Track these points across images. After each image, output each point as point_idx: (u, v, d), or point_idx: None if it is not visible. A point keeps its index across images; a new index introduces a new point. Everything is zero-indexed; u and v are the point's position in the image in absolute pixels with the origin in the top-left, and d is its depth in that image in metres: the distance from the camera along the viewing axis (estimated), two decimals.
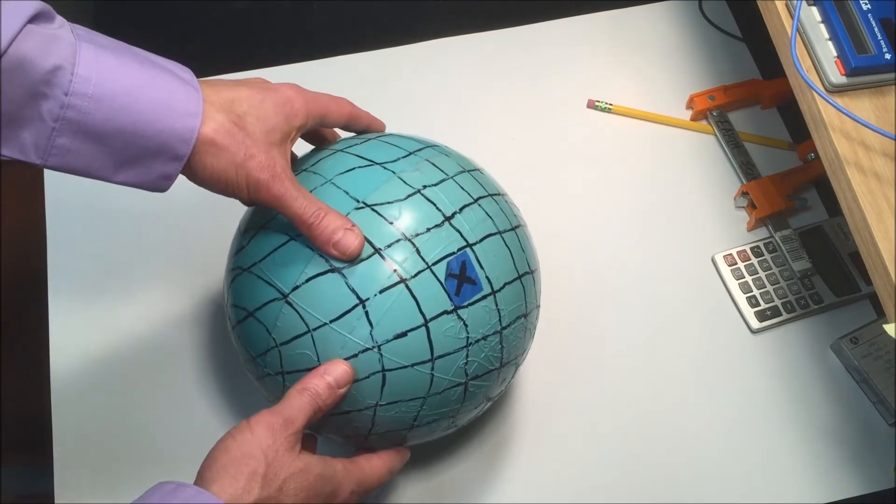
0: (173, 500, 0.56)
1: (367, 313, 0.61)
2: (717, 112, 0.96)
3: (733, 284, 0.88)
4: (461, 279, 0.63)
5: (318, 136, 0.73)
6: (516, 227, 0.69)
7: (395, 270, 0.61)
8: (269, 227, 0.66)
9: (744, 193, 0.91)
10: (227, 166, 0.60)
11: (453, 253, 0.63)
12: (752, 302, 0.87)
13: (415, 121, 0.84)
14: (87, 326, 0.84)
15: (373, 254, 0.62)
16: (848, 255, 0.89)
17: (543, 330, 0.77)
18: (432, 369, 0.62)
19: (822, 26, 0.71)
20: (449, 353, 0.62)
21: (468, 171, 0.68)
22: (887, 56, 0.69)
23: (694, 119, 0.97)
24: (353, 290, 0.61)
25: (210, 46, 1.02)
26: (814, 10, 0.71)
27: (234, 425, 0.61)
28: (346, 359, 0.62)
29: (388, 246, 0.62)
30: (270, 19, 1.04)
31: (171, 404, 0.81)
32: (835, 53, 0.70)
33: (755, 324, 0.86)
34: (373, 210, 0.63)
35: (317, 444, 0.69)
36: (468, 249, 0.64)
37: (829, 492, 0.80)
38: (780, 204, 0.90)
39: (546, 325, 0.79)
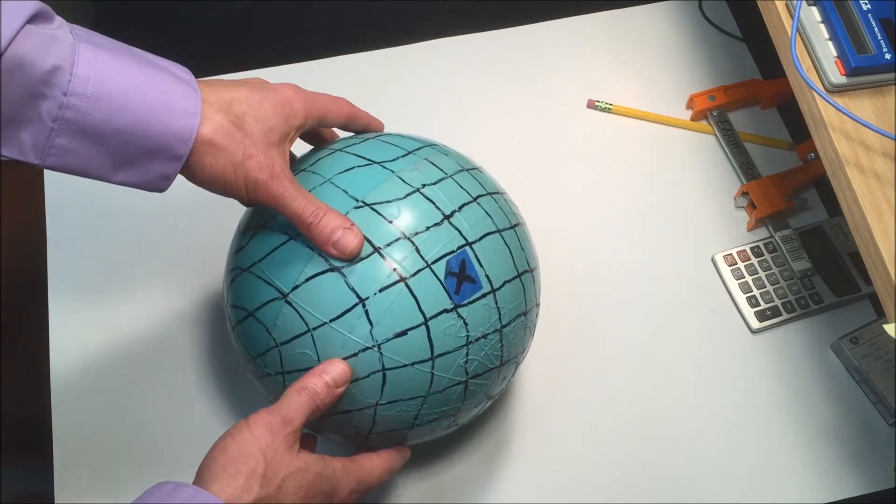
0: (172, 500, 0.56)
1: (366, 312, 0.61)
2: (717, 112, 0.96)
3: (733, 284, 0.88)
4: (461, 277, 0.63)
5: (317, 136, 0.73)
6: (515, 225, 0.69)
7: (394, 269, 0.62)
8: (268, 226, 0.66)
9: (744, 193, 0.91)
10: (225, 166, 0.60)
11: (453, 251, 0.63)
12: (752, 302, 0.87)
13: (415, 121, 0.84)
14: (87, 326, 0.84)
15: (372, 253, 0.62)
16: (848, 255, 0.89)
17: (543, 330, 0.77)
18: (432, 368, 0.62)
19: (822, 26, 0.71)
20: (449, 352, 0.62)
21: (467, 170, 0.68)
22: (887, 56, 0.69)
23: (694, 119, 0.97)
24: (352, 290, 0.61)
25: (210, 46, 1.02)
26: (814, 10, 0.71)
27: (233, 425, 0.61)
28: (347, 358, 0.62)
29: (388, 245, 0.62)
30: (270, 19, 1.04)
31: (171, 404, 0.81)
32: (835, 53, 0.70)
33: (755, 324, 0.86)
34: (372, 209, 0.63)
35: (316, 444, 0.69)
36: (467, 248, 0.64)
37: (829, 492, 0.80)
38: (780, 204, 0.90)
39: (546, 325, 0.79)
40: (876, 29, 0.70)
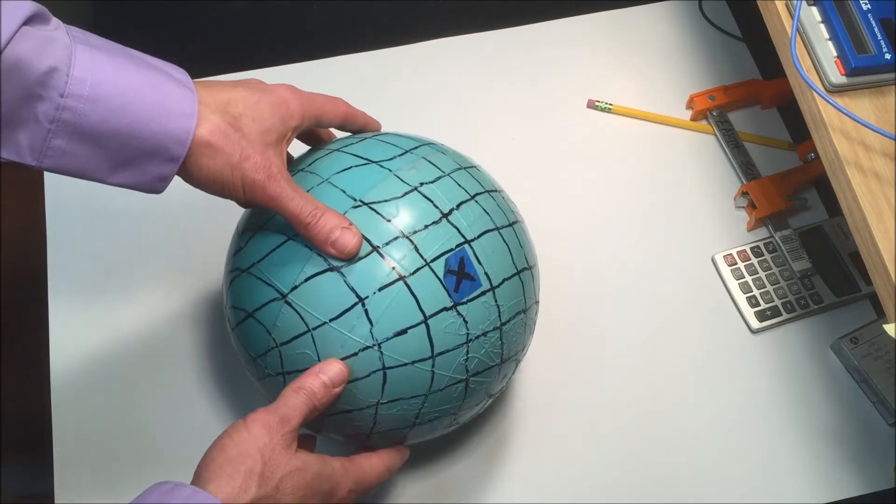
0: (170, 500, 0.56)
1: (366, 311, 0.61)
2: (717, 112, 0.96)
3: (733, 284, 0.88)
4: (460, 276, 0.63)
5: (314, 136, 0.73)
6: (514, 223, 0.69)
7: (393, 268, 0.62)
8: (266, 227, 0.66)
9: (744, 193, 0.91)
10: (222, 167, 0.60)
11: (451, 249, 0.63)
12: (752, 302, 0.87)
13: (415, 121, 0.84)
14: (87, 326, 0.84)
15: (371, 252, 0.62)
16: (848, 255, 0.89)
17: (543, 330, 0.77)
18: (433, 366, 0.62)
19: (822, 26, 0.71)
20: (449, 350, 0.63)
21: (465, 168, 0.68)
22: (887, 56, 0.69)
23: (694, 119, 0.97)
24: (352, 289, 0.61)
25: (210, 46, 1.02)
26: (814, 10, 0.71)
27: None
28: (347, 357, 0.62)
29: (387, 244, 0.62)
30: (270, 19, 1.04)
31: (171, 404, 0.81)
32: (835, 53, 0.70)
33: (755, 324, 0.86)
34: (370, 208, 0.63)
35: (316, 444, 0.69)
36: (466, 246, 0.64)
37: (829, 492, 0.80)
38: (780, 204, 0.90)
39: (546, 325, 0.79)
40: (876, 29, 0.70)
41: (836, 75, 0.69)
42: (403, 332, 0.61)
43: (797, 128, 0.96)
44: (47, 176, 0.90)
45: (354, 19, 1.04)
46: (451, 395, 0.64)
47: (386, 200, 0.63)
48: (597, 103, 0.97)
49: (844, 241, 0.90)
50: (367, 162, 0.66)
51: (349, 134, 0.72)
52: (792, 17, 0.70)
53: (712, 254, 0.90)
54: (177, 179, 0.61)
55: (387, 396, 0.63)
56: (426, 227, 0.63)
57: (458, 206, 0.65)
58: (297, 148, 0.71)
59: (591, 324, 0.86)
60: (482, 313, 0.64)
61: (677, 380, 0.84)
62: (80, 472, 0.78)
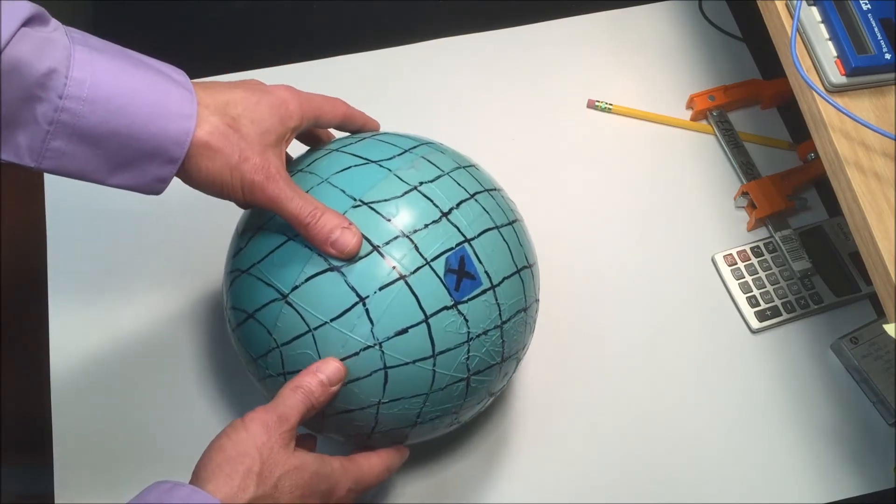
0: (169, 499, 0.56)
1: (367, 311, 0.61)
2: (717, 112, 0.96)
3: (733, 284, 0.88)
4: (460, 274, 0.63)
5: (313, 136, 0.73)
6: (513, 221, 0.69)
7: (394, 267, 0.62)
8: (266, 228, 0.66)
9: (744, 193, 0.91)
10: (221, 169, 0.60)
11: (452, 248, 0.63)
12: (752, 302, 0.87)
13: (415, 121, 0.84)
14: (87, 326, 0.84)
15: (371, 251, 0.62)
16: (848, 255, 0.89)
17: (543, 330, 0.77)
18: (434, 365, 0.62)
19: (822, 26, 0.71)
20: (450, 349, 0.63)
21: (464, 167, 0.68)
22: (887, 56, 0.69)
23: (694, 119, 0.97)
24: (352, 289, 0.61)
25: (210, 46, 1.02)
26: (814, 10, 0.71)
27: None
28: (348, 357, 0.62)
29: (387, 243, 0.62)
30: (270, 19, 1.04)
31: (171, 404, 0.81)
32: (835, 53, 0.70)
33: (755, 324, 0.86)
34: (370, 208, 0.63)
35: (316, 444, 0.69)
36: (466, 244, 0.64)
37: (829, 492, 0.80)
38: (780, 204, 0.90)
39: (546, 325, 0.79)
40: (876, 29, 0.70)
41: (836, 75, 0.69)
42: (404, 331, 0.61)
43: (797, 128, 0.96)
44: (47, 176, 0.90)
45: (354, 19, 1.04)
46: (452, 394, 0.64)
47: (386, 200, 0.63)
48: (597, 103, 0.97)
49: (844, 241, 0.90)
50: (366, 161, 0.66)
51: (348, 134, 0.72)
52: (792, 17, 0.70)
53: (712, 254, 0.90)
54: (176, 180, 0.61)
55: (388, 396, 0.63)
56: (426, 226, 0.63)
57: (458, 204, 0.65)
58: (296, 148, 0.71)
59: (591, 324, 0.86)
60: (483, 312, 0.64)
61: (677, 380, 0.84)
62: (80, 472, 0.78)
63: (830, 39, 0.70)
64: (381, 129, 0.73)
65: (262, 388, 0.69)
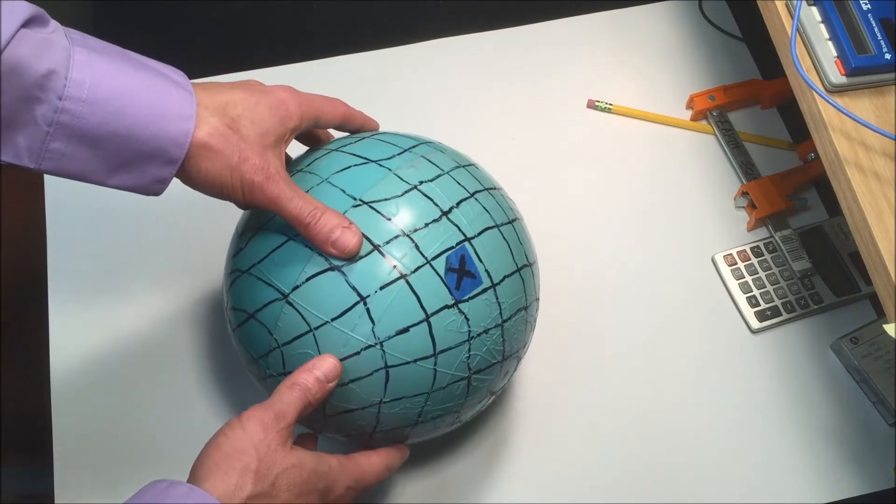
0: (165, 498, 0.56)
1: (368, 310, 0.61)
2: (717, 112, 0.96)
3: (733, 284, 0.88)
4: (461, 273, 0.63)
5: (312, 137, 0.73)
6: (513, 220, 0.69)
7: (394, 266, 0.62)
8: (266, 228, 0.66)
9: (744, 193, 0.91)
10: (221, 169, 0.60)
11: (452, 247, 0.63)
12: (752, 302, 0.87)
13: (415, 121, 0.84)
14: (87, 326, 0.84)
15: (372, 251, 0.62)
16: (848, 255, 0.89)
17: (543, 330, 0.77)
18: (435, 364, 0.62)
19: (822, 26, 0.71)
20: (451, 348, 0.63)
21: (463, 167, 0.68)
22: (887, 56, 0.69)
23: (694, 119, 0.97)
24: (353, 288, 0.61)
25: (210, 46, 1.02)
26: (814, 10, 0.71)
27: None
28: (349, 356, 0.62)
29: (387, 242, 0.62)
30: (270, 19, 1.04)
31: (171, 404, 0.81)
32: (835, 53, 0.70)
33: (755, 324, 0.86)
34: (370, 207, 0.63)
35: (317, 443, 0.69)
36: (467, 243, 0.64)
37: (829, 492, 0.80)
38: (780, 204, 0.90)
39: (546, 325, 0.79)
40: (876, 29, 0.70)
41: (836, 75, 0.69)
42: (405, 330, 0.61)
43: (797, 128, 0.96)
44: (47, 176, 0.89)
45: (354, 19, 1.04)
46: (453, 393, 0.64)
47: (386, 199, 0.63)
48: (597, 103, 0.97)
49: (844, 241, 0.90)
50: (366, 161, 0.66)
51: (347, 134, 0.72)
52: (792, 17, 0.70)
53: (712, 254, 0.90)
54: (176, 180, 0.61)
55: (389, 395, 0.63)
56: (426, 225, 0.63)
57: (458, 203, 0.65)
58: (295, 149, 0.71)
59: (591, 324, 0.86)
60: (483, 311, 0.64)
61: (677, 380, 0.84)
62: (80, 472, 0.78)
63: (830, 39, 0.70)
64: (381, 129, 0.73)
65: (262, 389, 0.69)
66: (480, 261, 0.64)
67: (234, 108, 0.62)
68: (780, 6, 0.73)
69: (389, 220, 0.63)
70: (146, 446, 0.79)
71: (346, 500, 0.64)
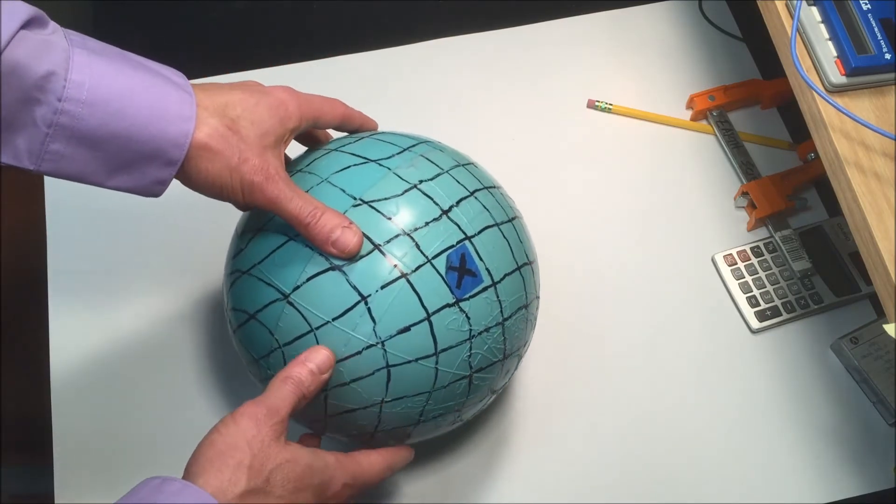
0: (159, 495, 0.56)
1: (369, 310, 0.61)
2: (717, 112, 0.96)
3: (733, 284, 0.88)
4: (461, 272, 0.63)
5: (312, 137, 0.73)
6: (513, 218, 0.69)
7: (395, 266, 0.62)
8: (266, 228, 0.66)
9: (744, 193, 0.91)
10: (221, 170, 0.60)
11: (452, 246, 0.63)
12: (752, 302, 0.87)
13: (415, 121, 0.84)
14: (87, 326, 0.84)
15: (372, 250, 0.62)
16: (848, 255, 0.89)
17: (544, 330, 0.77)
18: (436, 363, 0.62)
19: (822, 26, 0.71)
20: (452, 347, 0.63)
21: (463, 165, 0.68)
22: (887, 56, 0.69)
23: (694, 119, 0.97)
24: (354, 288, 0.61)
25: (210, 46, 1.02)
26: (814, 10, 0.71)
27: None
28: (350, 356, 0.62)
29: (388, 242, 0.62)
30: (270, 19, 1.04)
31: (171, 404, 0.81)
32: (835, 53, 0.70)
33: (755, 324, 0.86)
34: (370, 207, 0.63)
35: (319, 444, 0.68)
36: (467, 242, 0.64)
37: (829, 492, 0.80)
38: (780, 204, 0.90)
39: (546, 325, 0.79)
40: (876, 29, 0.70)
41: (836, 75, 0.69)
42: (406, 329, 0.61)
43: (797, 128, 0.96)
44: (47, 177, 0.90)
45: (354, 19, 1.04)
46: (454, 392, 0.65)
47: (386, 198, 0.63)
48: (597, 103, 0.97)
49: (844, 241, 0.90)
50: (365, 161, 0.66)
51: (346, 134, 0.72)
52: (792, 17, 0.70)
53: (712, 254, 0.90)
54: (175, 181, 0.61)
55: (391, 394, 0.63)
56: (427, 224, 0.63)
57: (458, 202, 0.65)
58: (295, 149, 0.71)
59: (591, 324, 0.86)
60: (484, 309, 0.64)
61: (677, 380, 0.84)
62: (80, 472, 0.78)
63: (830, 39, 0.70)
64: (380, 129, 0.73)
65: (263, 389, 0.68)
66: (481, 259, 0.64)
67: (233, 109, 0.62)
68: (780, 6, 0.73)
69: (389, 219, 0.63)
70: (146, 446, 0.79)
71: (344, 497, 0.64)
